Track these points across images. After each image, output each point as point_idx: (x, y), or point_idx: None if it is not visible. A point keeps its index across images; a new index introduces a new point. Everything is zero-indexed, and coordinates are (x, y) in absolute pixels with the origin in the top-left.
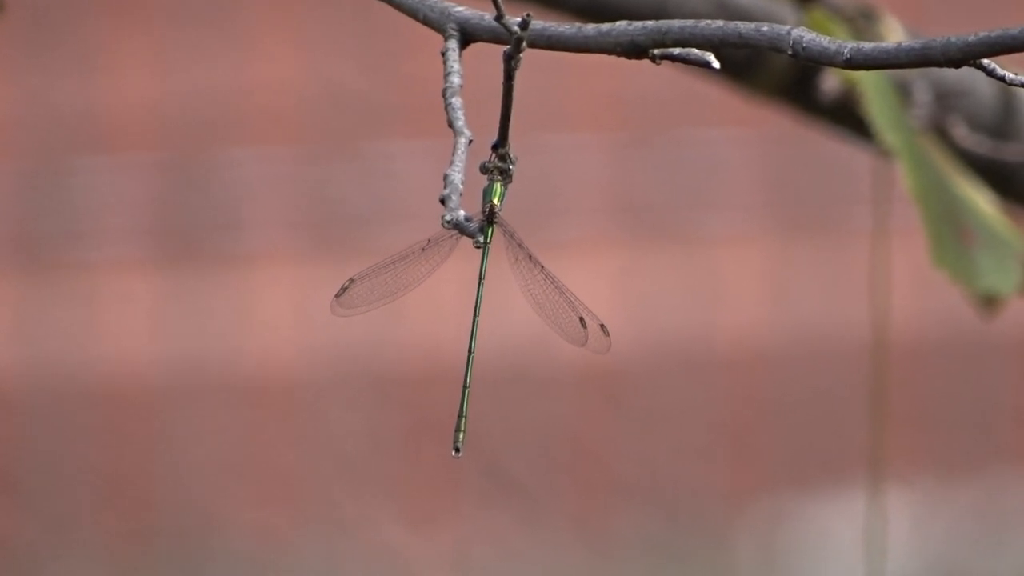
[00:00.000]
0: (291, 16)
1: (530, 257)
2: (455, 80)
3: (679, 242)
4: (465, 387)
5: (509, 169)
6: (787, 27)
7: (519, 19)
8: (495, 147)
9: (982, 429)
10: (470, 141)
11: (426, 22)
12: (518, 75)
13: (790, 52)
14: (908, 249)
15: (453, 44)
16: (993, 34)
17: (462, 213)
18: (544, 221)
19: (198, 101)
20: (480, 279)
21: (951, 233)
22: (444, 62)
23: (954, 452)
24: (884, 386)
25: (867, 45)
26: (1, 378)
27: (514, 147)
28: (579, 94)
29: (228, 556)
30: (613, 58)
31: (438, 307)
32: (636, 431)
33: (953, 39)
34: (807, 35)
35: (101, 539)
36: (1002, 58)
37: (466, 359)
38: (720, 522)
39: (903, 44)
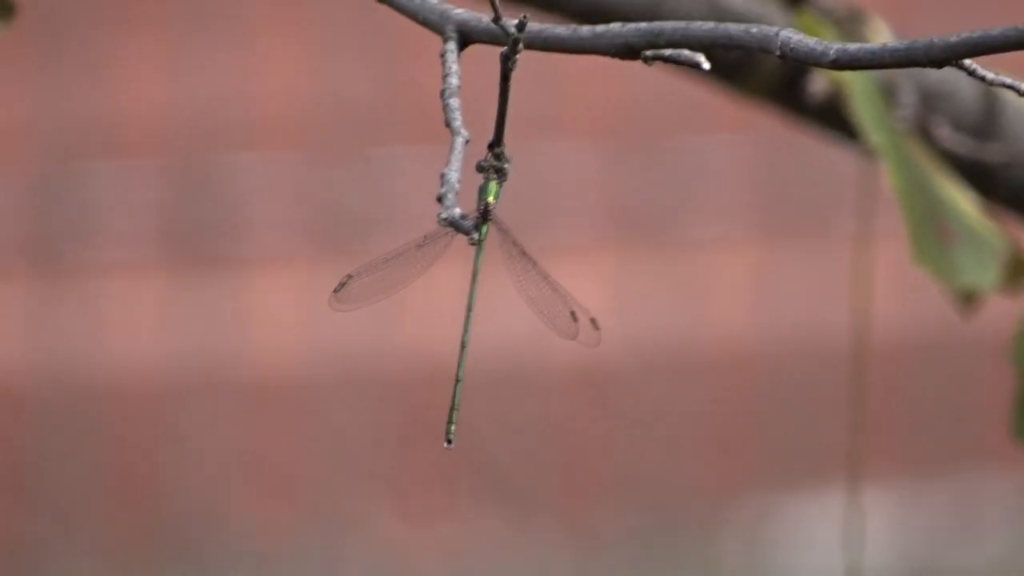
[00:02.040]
0: (296, 24)
1: (524, 254)
2: (453, 81)
3: (668, 246)
4: (457, 380)
5: (504, 168)
6: (776, 28)
7: (516, 21)
8: (491, 146)
9: (958, 428)
10: (467, 141)
11: (426, 24)
12: (514, 76)
13: (778, 53)
14: (890, 253)
15: (452, 46)
16: (975, 35)
17: (458, 211)
18: (538, 224)
19: (205, 107)
20: (474, 275)
21: (932, 231)
22: (443, 63)
23: (931, 451)
24: (863, 387)
25: (853, 46)
26: (11, 377)
27: (510, 149)
28: (573, 102)
29: (232, 551)
30: (607, 68)
31: (436, 310)
32: (624, 430)
33: (936, 40)
34: (795, 36)
35: (107, 536)
36: (984, 59)
37: (459, 353)
38: (706, 518)
39: (888, 45)
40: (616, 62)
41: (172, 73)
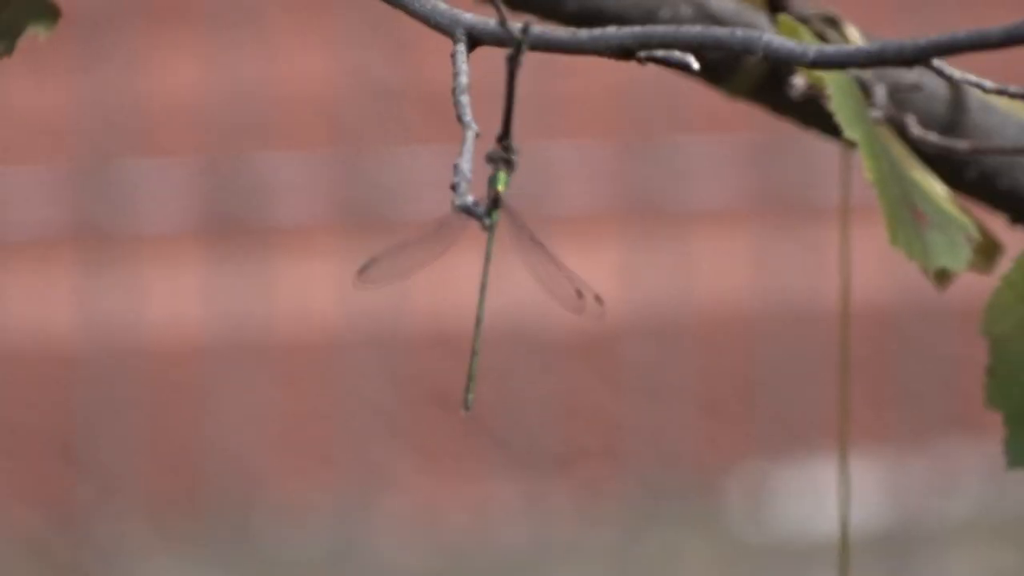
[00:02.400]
0: (321, 21)
1: (532, 237)
2: (463, 79)
3: (667, 225)
4: (474, 353)
5: (512, 159)
6: (759, 32)
7: (521, 24)
8: (500, 139)
9: (939, 395)
10: (477, 134)
11: (437, 27)
12: (519, 75)
13: (761, 54)
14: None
15: (461, 47)
16: (942, 38)
17: (470, 198)
18: (544, 207)
19: (237, 100)
20: (487, 257)
21: (907, 216)
22: (453, 63)
23: (915, 417)
24: (848, 356)
25: (829, 47)
26: (61, 346)
27: (517, 141)
28: (577, 96)
29: (269, 508)
30: (608, 67)
31: (453, 284)
32: (627, 395)
33: (907, 42)
34: (776, 39)
35: (152, 496)
36: (952, 59)
37: (475, 327)
38: (706, 479)
39: (861, 47)
40: (615, 61)
41: (204, 68)
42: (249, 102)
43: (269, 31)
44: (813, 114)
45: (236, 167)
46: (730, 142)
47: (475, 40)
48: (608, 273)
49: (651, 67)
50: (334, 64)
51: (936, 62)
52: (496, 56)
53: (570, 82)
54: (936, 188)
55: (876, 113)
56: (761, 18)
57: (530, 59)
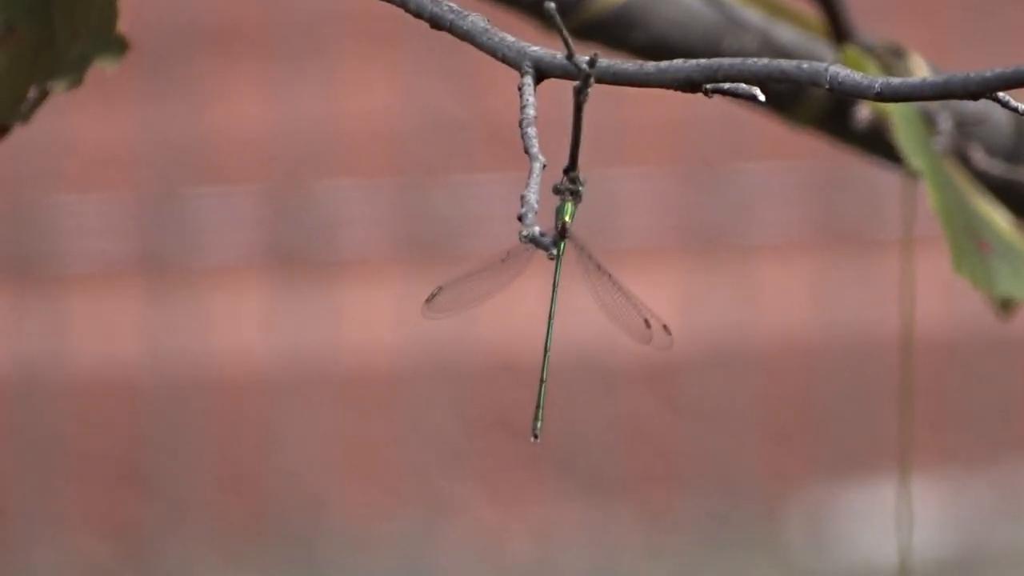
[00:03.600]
0: (385, 53)
1: (599, 267)
2: (531, 112)
3: (730, 254)
4: (542, 381)
5: (579, 190)
6: (824, 64)
7: (587, 57)
8: (566, 171)
9: (1000, 421)
10: (544, 165)
11: (504, 60)
12: (586, 107)
13: (827, 86)
14: (934, 259)
15: (529, 80)
16: (1008, 71)
17: (537, 229)
18: (609, 238)
19: (300, 132)
20: (554, 287)
21: (970, 244)
22: (520, 95)
23: (976, 443)
24: (911, 383)
25: (895, 80)
26: (128, 374)
27: (584, 173)
28: (640, 128)
29: (334, 535)
30: (672, 97)
31: (518, 314)
32: (691, 422)
33: (972, 75)
34: (842, 71)
35: (218, 522)
36: (1016, 92)
37: (542, 357)
38: (768, 503)
39: (927, 79)
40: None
41: (269, 101)
42: (313, 134)
43: (334, 63)
44: (877, 144)
45: (300, 198)
46: (792, 172)
47: (542, 73)
48: (670, 302)
49: (714, 98)
50: (398, 95)
51: (1001, 94)
52: (559, 86)
53: (632, 112)
54: (1000, 218)
55: (940, 143)
56: (824, 49)
57: (593, 89)
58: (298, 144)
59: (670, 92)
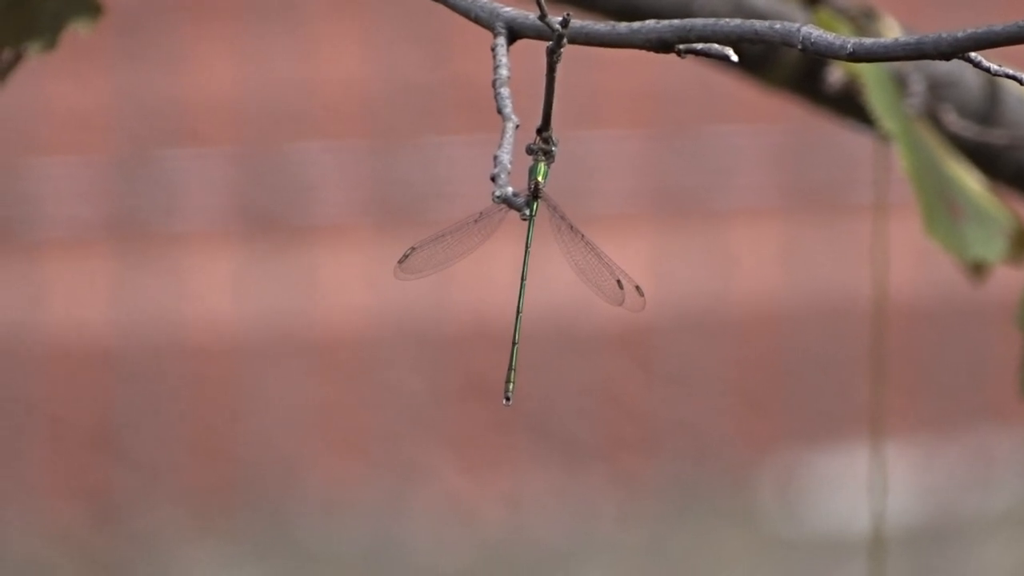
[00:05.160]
0: (359, 16)
1: (572, 228)
2: (503, 72)
3: (702, 219)
4: (514, 343)
5: (552, 150)
6: (797, 24)
7: (560, 18)
8: (539, 131)
9: (972, 387)
10: (517, 126)
11: (477, 20)
12: (559, 68)
13: (800, 47)
14: (905, 223)
15: (501, 40)
16: (980, 30)
17: (510, 189)
18: (583, 200)
19: (273, 94)
20: (527, 248)
21: (942, 208)
22: (493, 56)
23: (948, 409)
24: (883, 348)
25: (868, 40)
26: (100, 339)
27: (556, 134)
28: (613, 91)
29: (306, 500)
30: (645, 61)
31: (490, 276)
32: (663, 386)
33: (944, 35)
34: (815, 32)
35: (190, 486)
36: (988, 51)
37: (515, 319)
38: (740, 468)
39: (899, 39)
40: (651, 55)
41: (242, 63)
42: (286, 97)
43: (306, 26)
44: (849, 107)
45: (273, 162)
46: (764, 136)
47: (515, 33)
48: (643, 266)
49: (685, 62)
50: (370, 59)
51: (974, 55)
52: (530, 53)
53: (604, 76)
54: (972, 180)
55: (912, 105)
56: (797, 11)
57: (565, 54)
58: (271, 107)
59: (642, 56)
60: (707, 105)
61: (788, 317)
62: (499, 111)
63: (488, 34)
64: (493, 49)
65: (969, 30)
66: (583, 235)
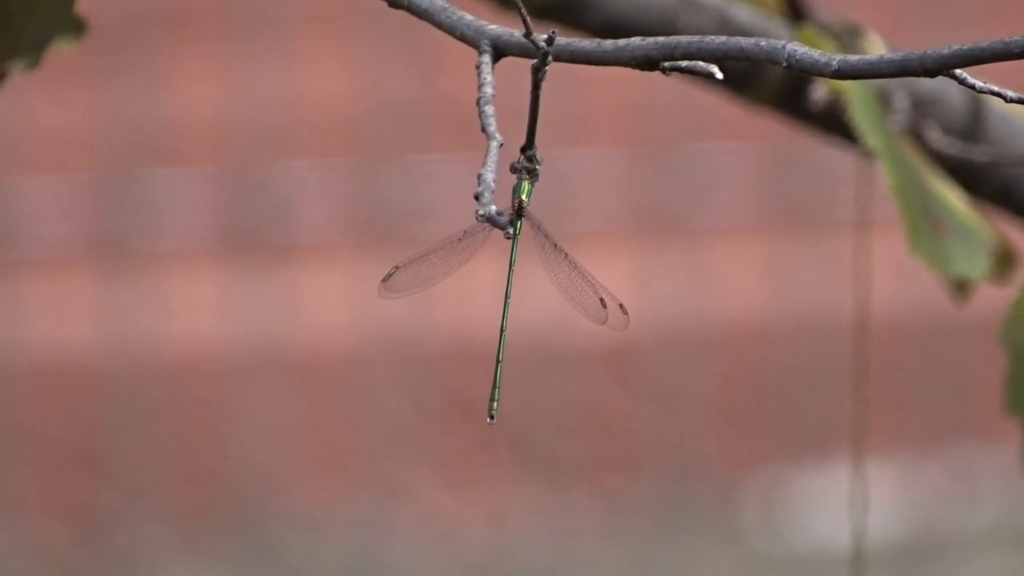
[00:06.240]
0: (341, 36)
1: (555, 246)
2: (488, 90)
3: (684, 237)
4: (498, 362)
5: (536, 169)
6: (782, 42)
7: (545, 36)
8: (523, 149)
9: (954, 404)
10: (501, 144)
11: (462, 38)
12: (544, 86)
13: (785, 64)
14: (888, 241)
15: (486, 58)
16: (965, 47)
17: (494, 208)
18: (566, 218)
19: (256, 114)
20: (510, 266)
21: (926, 225)
22: (478, 74)
23: (930, 425)
24: (865, 365)
25: (853, 57)
26: (83, 358)
27: (541, 152)
28: (596, 109)
29: (289, 518)
30: (628, 78)
31: (473, 295)
32: (646, 404)
33: (929, 52)
34: (800, 49)
35: (173, 505)
36: (972, 69)
37: (499, 337)
38: (723, 485)
39: (885, 56)
40: (635, 73)
41: (225, 82)
42: (269, 116)
43: (288, 45)
44: (833, 124)
45: (256, 180)
46: (747, 153)
47: (500, 51)
48: (625, 284)
49: (668, 79)
50: (353, 77)
51: (959, 72)
52: (515, 71)
53: (587, 94)
54: (955, 198)
55: (896, 122)
56: (781, 28)
57: (549, 72)
58: (253, 126)
59: (624, 74)
60: (690, 123)
61: (771, 334)
62: (483, 129)
63: (472, 52)
64: (478, 67)
65: (955, 47)
66: (567, 254)
